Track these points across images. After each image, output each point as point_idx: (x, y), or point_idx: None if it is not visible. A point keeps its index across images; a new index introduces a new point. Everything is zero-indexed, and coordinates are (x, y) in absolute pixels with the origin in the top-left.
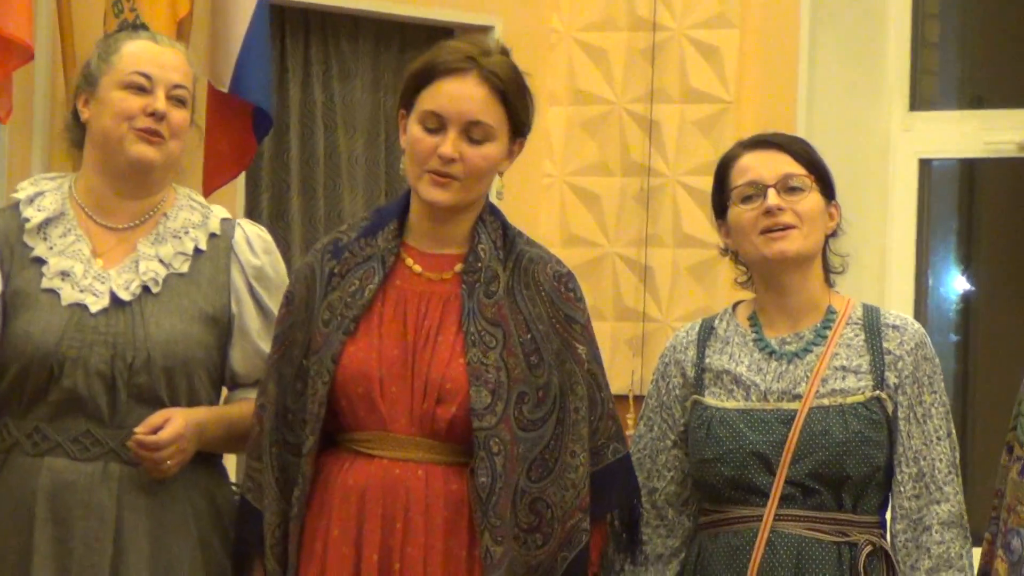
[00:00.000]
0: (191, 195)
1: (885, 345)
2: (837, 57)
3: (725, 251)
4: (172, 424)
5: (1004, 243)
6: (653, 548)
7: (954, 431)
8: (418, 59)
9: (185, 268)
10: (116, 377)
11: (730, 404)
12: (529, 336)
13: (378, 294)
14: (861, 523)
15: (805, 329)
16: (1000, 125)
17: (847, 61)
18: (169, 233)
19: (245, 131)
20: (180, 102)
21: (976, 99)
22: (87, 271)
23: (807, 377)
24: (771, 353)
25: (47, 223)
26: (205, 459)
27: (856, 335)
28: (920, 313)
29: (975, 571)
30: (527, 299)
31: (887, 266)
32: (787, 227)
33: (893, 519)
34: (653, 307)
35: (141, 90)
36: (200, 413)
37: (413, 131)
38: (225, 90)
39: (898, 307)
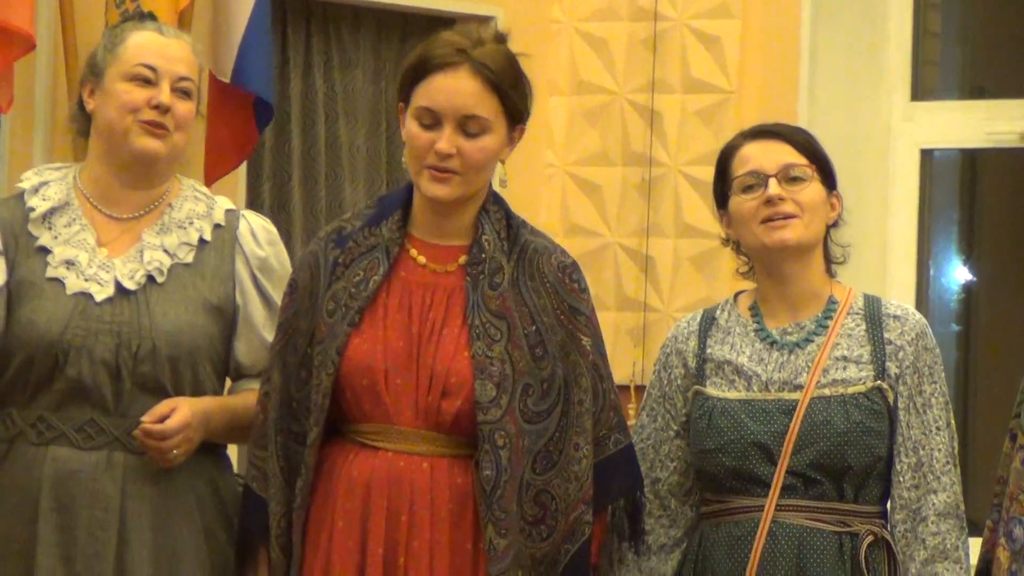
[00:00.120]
0: (196, 186)
1: (886, 335)
2: (838, 47)
3: (726, 241)
4: (178, 413)
5: (1005, 233)
6: (656, 538)
7: (953, 421)
8: (413, 52)
9: (190, 258)
10: (121, 366)
11: (731, 394)
12: (534, 328)
13: (383, 285)
14: (862, 513)
15: (806, 319)
16: (1002, 115)
17: (848, 51)
18: (174, 223)
19: (246, 121)
20: (185, 94)
21: (978, 89)
22: (92, 260)
23: (808, 367)
24: (772, 343)
25: (52, 212)
26: (209, 449)
27: (857, 325)
28: (921, 303)
29: (972, 561)
30: (532, 290)
31: (888, 256)
32: (788, 216)
33: (893, 509)
34: (654, 297)
35: (146, 82)
36: (205, 403)
37: (410, 127)
38: (226, 80)
39: (899, 297)
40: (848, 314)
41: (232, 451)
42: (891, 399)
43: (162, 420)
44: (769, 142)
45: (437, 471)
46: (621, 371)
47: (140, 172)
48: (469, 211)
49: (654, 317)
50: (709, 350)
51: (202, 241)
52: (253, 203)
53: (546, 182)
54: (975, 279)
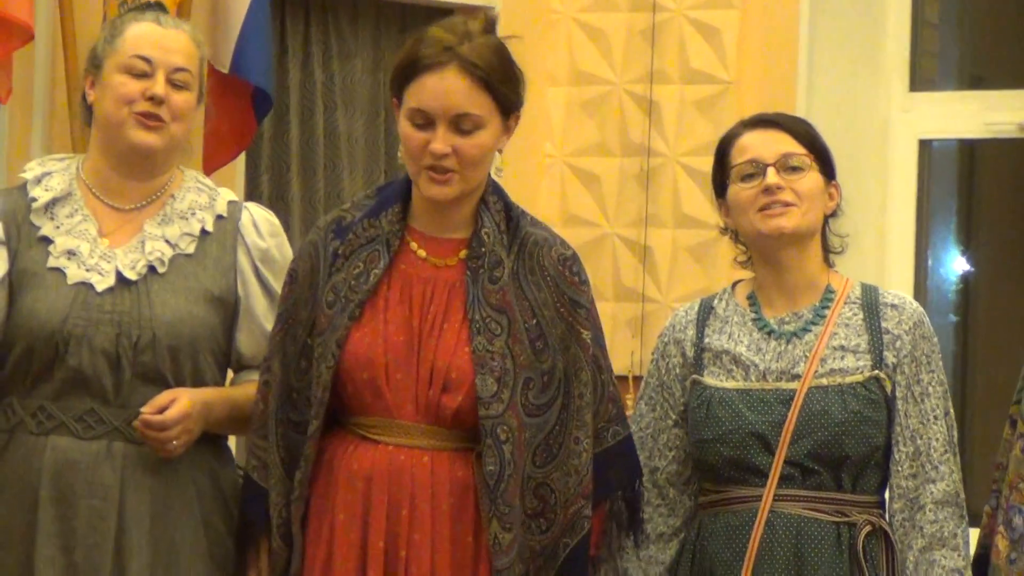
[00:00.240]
0: (198, 177)
1: (884, 324)
2: (837, 38)
3: (725, 230)
4: (178, 404)
5: (1004, 224)
6: (654, 527)
7: (952, 410)
8: (402, 49)
9: (191, 249)
10: (121, 356)
11: (729, 384)
12: (535, 321)
13: (383, 278)
14: (860, 503)
15: (803, 308)
16: (1000, 106)
17: (847, 42)
18: (176, 214)
19: (245, 112)
20: (182, 85)
21: (976, 80)
22: (93, 250)
23: (806, 357)
24: (770, 333)
25: (54, 203)
26: (209, 440)
27: (855, 314)
28: (920, 294)
29: (971, 549)
30: (532, 284)
31: (887, 247)
32: (786, 205)
33: (891, 498)
34: (652, 288)
35: (141, 74)
36: (206, 394)
37: (403, 127)
38: (225, 71)
39: (898, 288)
40: (846, 303)
41: (232, 442)
42: (889, 388)
43: (162, 411)
44: (768, 131)
45: (438, 465)
46: (619, 361)
47: (137, 164)
48: (468, 204)
49: (652, 307)
50: (707, 340)
51: (204, 232)
52: (251, 194)
53: (544, 172)
54: (973, 270)
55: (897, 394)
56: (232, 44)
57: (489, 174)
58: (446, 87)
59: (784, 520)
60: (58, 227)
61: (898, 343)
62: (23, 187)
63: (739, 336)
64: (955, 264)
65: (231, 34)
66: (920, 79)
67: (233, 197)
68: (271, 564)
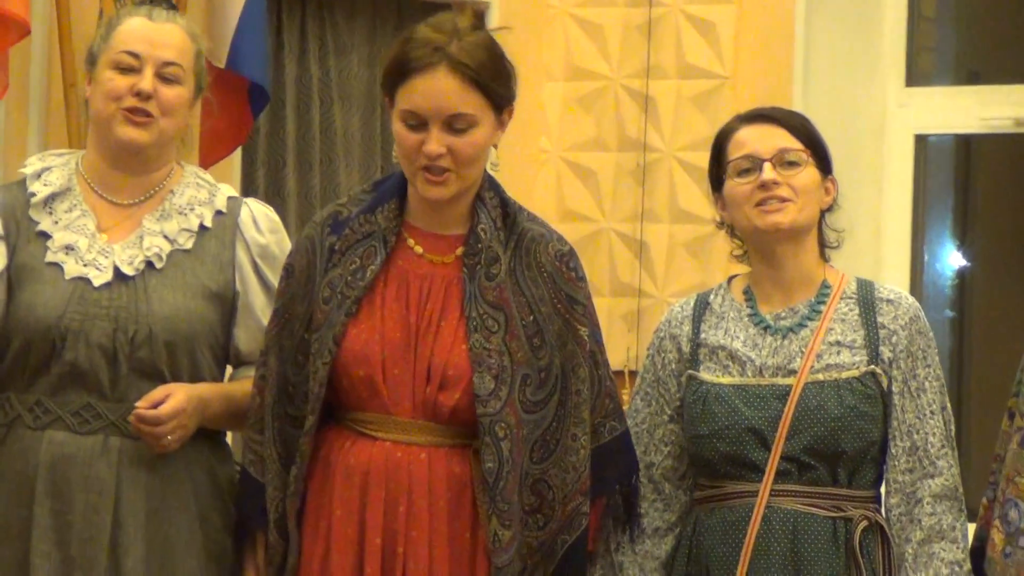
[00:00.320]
0: (198, 173)
1: (879, 319)
2: (833, 33)
3: (721, 224)
4: (173, 399)
5: (1000, 219)
6: (650, 522)
7: (948, 405)
8: (392, 48)
9: (189, 244)
10: (117, 351)
11: (725, 380)
12: (532, 318)
13: (380, 274)
14: (856, 498)
15: (799, 303)
16: (996, 101)
17: (843, 37)
18: (175, 209)
19: (241, 107)
20: (172, 79)
21: (972, 75)
22: (91, 245)
23: (802, 352)
24: (766, 328)
25: (53, 198)
26: (207, 436)
27: (851, 310)
28: (916, 289)
29: (969, 543)
30: (529, 280)
31: (883, 242)
32: (782, 200)
33: (887, 493)
34: (648, 283)
35: (129, 69)
36: (202, 389)
37: (397, 128)
38: (221, 66)
39: (893, 282)
40: (841, 298)
41: (231, 438)
42: (885, 384)
43: (156, 406)
44: (765, 126)
45: (435, 461)
46: (615, 356)
47: (129, 159)
48: (465, 200)
49: (648, 302)
50: (703, 335)
51: (202, 228)
52: (247, 189)
53: (540, 167)
54: (969, 265)
55: (893, 389)
56: (228, 39)
57: (485, 170)
58: (437, 88)
59: (781, 515)
60: (56, 222)
61: (894, 338)
62: (22, 182)
63: (735, 332)
64: (951, 259)
65: (227, 29)
66: (916, 74)
67: (233, 193)
68: (268, 558)
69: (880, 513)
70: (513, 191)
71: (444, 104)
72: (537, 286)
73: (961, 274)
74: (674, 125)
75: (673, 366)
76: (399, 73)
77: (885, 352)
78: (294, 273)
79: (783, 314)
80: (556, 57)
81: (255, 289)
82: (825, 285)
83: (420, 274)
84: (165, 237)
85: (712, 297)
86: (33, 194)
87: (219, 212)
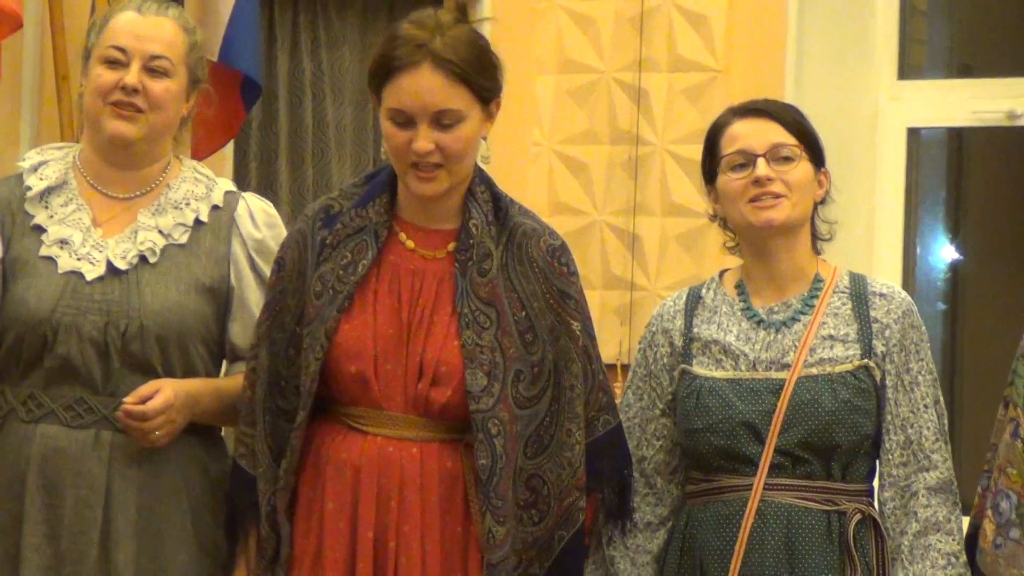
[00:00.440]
0: (197, 167)
1: (872, 313)
2: (825, 26)
3: (714, 217)
4: (161, 395)
5: (992, 212)
6: (642, 516)
7: (942, 399)
8: (376, 46)
9: (184, 239)
10: (109, 345)
11: (719, 374)
12: (524, 314)
13: (372, 269)
14: (850, 492)
15: (792, 297)
16: (988, 94)
17: (835, 30)
18: (170, 204)
19: (234, 100)
20: (161, 73)
21: (964, 68)
22: (86, 240)
23: (795, 346)
24: (759, 322)
25: (48, 192)
26: (201, 431)
27: (843, 304)
28: (908, 282)
29: (964, 535)
30: (521, 275)
31: (875, 235)
32: (776, 196)
33: (881, 487)
34: (641, 276)
35: (117, 64)
36: (193, 384)
37: (385, 126)
38: (214, 59)
39: (886, 276)
40: (834, 293)
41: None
42: (878, 377)
43: (145, 401)
44: (758, 120)
45: (427, 456)
46: (607, 350)
47: (119, 154)
48: (456, 195)
49: (640, 295)
50: (696, 329)
51: (198, 222)
52: (239, 182)
53: (532, 161)
54: (962, 258)
55: (887, 383)
56: (221, 32)
57: (476, 164)
58: (422, 86)
59: (774, 509)
60: (52, 216)
61: (887, 332)
62: (19, 176)
63: (728, 326)
64: (944, 252)
65: (220, 22)
66: (909, 67)
67: (231, 187)
68: (259, 552)
69: (873, 506)
70: (505, 184)
71: (430, 101)
72: (529, 281)
73: (953, 267)
74: (666, 118)
75: (665, 360)
76: (384, 72)
77: (878, 346)
78: (285, 267)
79: (776, 308)
80: (548, 50)
81: (250, 284)
82: (818, 279)
83: (412, 269)
84: (160, 232)
85: (704, 291)
86: (29, 188)
87: (216, 207)
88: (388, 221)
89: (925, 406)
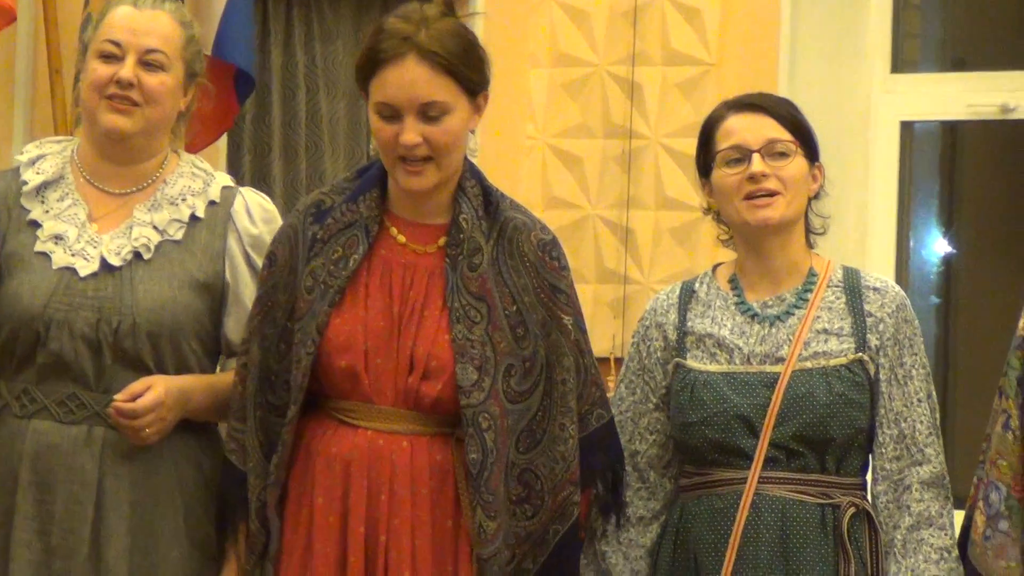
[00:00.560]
0: (195, 162)
1: (866, 307)
2: (819, 19)
3: (707, 210)
4: (152, 392)
5: (986, 206)
6: (634, 510)
7: (935, 393)
8: (363, 42)
9: (179, 235)
10: (101, 341)
11: (713, 367)
12: (515, 308)
13: (363, 264)
14: (844, 485)
15: (786, 291)
16: (982, 87)
17: (829, 23)
18: (166, 200)
19: (227, 93)
20: (156, 67)
21: (958, 61)
22: (81, 235)
23: (789, 340)
24: (753, 316)
25: (45, 187)
26: (195, 428)
27: (837, 298)
28: (901, 276)
29: (955, 531)
30: (511, 269)
31: (868, 228)
32: (771, 193)
33: (875, 480)
34: (634, 270)
35: (112, 58)
36: (184, 381)
37: (373, 120)
38: (208, 52)
39: (879, 269)
40: (828, 287)
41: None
42: (872, 371)
43: (136, 398)
44: (753, 115)
45: (417, 450)
46: (601, 343)
47: (115, 148)
48: (446, 190)
49: (634, 289)
50: (689, 323)
51: (194, 218)
52: (233, 175)
53: (526, 154)
54: (955, 251)
55: (880, 377)
56: (214, 26)
57: (467, 158)
58: (407, 78)
59: (769, 502)
60: (47, 211)
61: (881, 326)
62: (16, 170)
63: (722, 320)
64: (937, 246)
65: (213, 16)
66: (902, 61)
67: (229, 182)
68: (249, 547)
69: (866, 500)
70: (498, 178)
71: (415, 93)
72: (520, 275)
73: (947, 260)
74: (660, 112)
75: (659, 354)
76: (370, 66)
77: (872, 340)
78: (276, 261)
79: (770, 302)
80: (541, 44)
81: (245, 279)
82: (812, 273)
83: (403, 263)
84: (155, 228)
85: (697, 285)
86: (25, 182)
87: (212, 202)
88: (379, 216)
89: (919, 400)
